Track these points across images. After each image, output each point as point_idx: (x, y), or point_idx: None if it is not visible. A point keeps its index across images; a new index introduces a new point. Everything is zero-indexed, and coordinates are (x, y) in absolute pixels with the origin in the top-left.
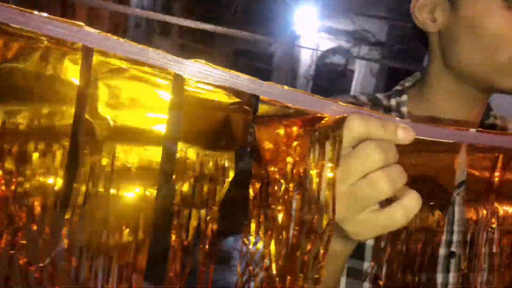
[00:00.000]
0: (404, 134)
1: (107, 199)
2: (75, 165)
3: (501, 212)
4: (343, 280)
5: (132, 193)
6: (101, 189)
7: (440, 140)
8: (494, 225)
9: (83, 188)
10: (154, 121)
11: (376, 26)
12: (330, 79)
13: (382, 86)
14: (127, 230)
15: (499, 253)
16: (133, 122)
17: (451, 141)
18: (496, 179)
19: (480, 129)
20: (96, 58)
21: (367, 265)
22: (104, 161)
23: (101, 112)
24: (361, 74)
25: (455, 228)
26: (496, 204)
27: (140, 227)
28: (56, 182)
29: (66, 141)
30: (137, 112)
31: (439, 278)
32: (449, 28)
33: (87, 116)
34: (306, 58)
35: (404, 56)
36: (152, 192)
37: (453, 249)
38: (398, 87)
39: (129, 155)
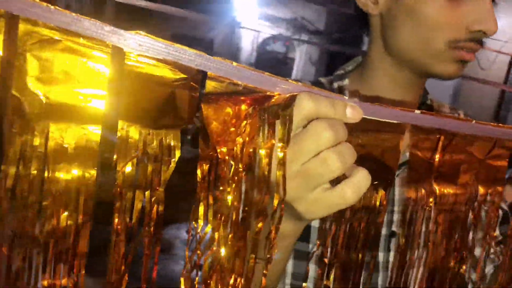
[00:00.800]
0: (353, 112)
1: (41, 181)
2: (2, 145)
3: (438, 192)
4: (290, 262)
5: (69, 175)
6: (33, 171)
7: (386, 120)
8: (431, 204)
9: (12, 170)
10: (92, 98)
11: (314, 15)
12: (271, 66)
13: (322, 73)
14: (65, 214)
15: (435, 231)
16: (69, 98)
17: (396, 122)
18: (436, 160)
19: (424, 110)
20: (23, 27)
21: (312, 246)
22: (37, 140)
23: (31, 88)
24: (301, 62)
25: (395, 208)
26: (434, 185)
27: (80, 211)
28: None
29: None
30: (72, 87)
31: (380, 256)
32: (389, 11)
33: (14, 92)
34: (247, 45)
35: (342, 44)
36: (92, 173)
37: (393, 228)
38: (340, 71)
39: (65, 135)
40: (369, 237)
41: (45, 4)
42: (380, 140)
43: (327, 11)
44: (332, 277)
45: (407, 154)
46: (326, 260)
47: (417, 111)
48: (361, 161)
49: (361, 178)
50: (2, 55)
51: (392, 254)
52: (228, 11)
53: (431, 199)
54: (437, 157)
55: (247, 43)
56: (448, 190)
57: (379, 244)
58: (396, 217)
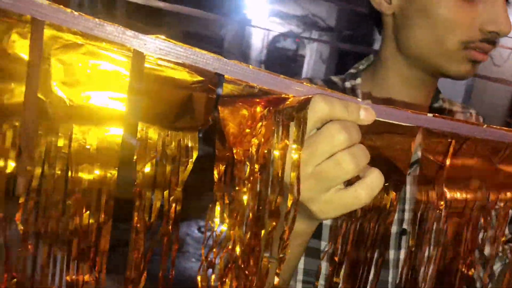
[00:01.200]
0: (366, 114)
1: (64, 181)
2: (28, 146)
3: (449, 195)
4: (301, 259)
5: (91, 175)
6: (58, 171)
7: (399, 123)
8: (441, 207)
9: (38, 170)
10: (113, 100)
11: (325, 11)
12: (281, 64)
13: (332, 71)
14: (88, 212)
15: (444, 231)
16: (91, 100)
17: (409, 124)
18: (447, 163)
19: (436, 114)
20: (47, 32)
21: (324, 244)
22: (61, 142)
23: (56, 91)
24: (311, 59)
25: (407, 206)
26: (445, 188)
27: (101, 209)
28: (8, 164)
29: (17, 121)
30: (94, 90)
31: (391, 254)
32: (403, 11)
33: (40, 95)
34: (257, 43)
35: (354, 41)
36: (113, 173)
37: (404, 226)
38: (352, 70)
39: (87, 136)
40: (378, 236)
41: (69, 10)
42: (392, 142)
43: (338, 8)
44: (342, 274)
45: (419, 153)
46: (336, 258)
47: (430, 114)
48: (372, 162)
49: (374, 179)
50: (28, 59)
51: (402, 251)
52: (238, 8)
53: (441, 202)
54: (448, 160)
55: (258, 41)
56: (459, 194)
57: (390, 242)
58: (407, 215)
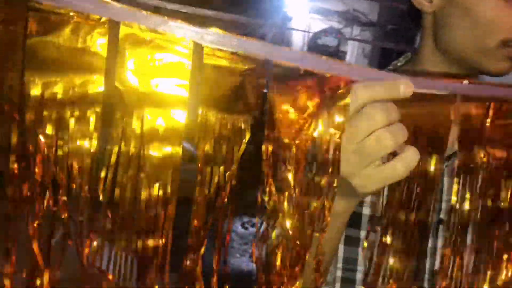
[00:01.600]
0: (405, 88)
1: (138, 158)
2: (108, 128)
3: (492, 156)
4: (341, 247)
5: (160, 153)
6: (132, 149)
7: (436, 93)
8: (484, 169)
9: (116, 148)
10: (177, 87)
11: (367, 6)
12: None
13: (375, 66)
14: (157, 185)
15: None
16: (159, 88)
17: (446, 94)
18: (488, 125)
19: (471, 80)
20: (122, 31)
21: (363, 233)
22: (134, 123)
23: (130, 80)
24: (353, 55)
25: (444, 197)
26: (488, 149)
27: (168, 182)
28: (92, 144)
29: (99, 107)
30: (161, 78)
31: (429, 243)
32: (443, 10)
33: (117, 84)
34: (298, 40)
35: (396, 36)
36: (178, 151)
37: (441, 216)
38: (390, 67)
39: (156, 118)
40: (423, 206)
41: (139, 10)
42: (432, 111)
43: (380, 3)
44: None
45: (456, 146)
46: (378, 228)
47: (465, 81)
48: (415, 132)
49: (411, 154)
50: (106, 55)
51: (440, 240)
52: (279, 6)
53: (484, 165)
54: (488, 122)
55: (298, 38)
56: (501, 154)
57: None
58: (444, 205)
